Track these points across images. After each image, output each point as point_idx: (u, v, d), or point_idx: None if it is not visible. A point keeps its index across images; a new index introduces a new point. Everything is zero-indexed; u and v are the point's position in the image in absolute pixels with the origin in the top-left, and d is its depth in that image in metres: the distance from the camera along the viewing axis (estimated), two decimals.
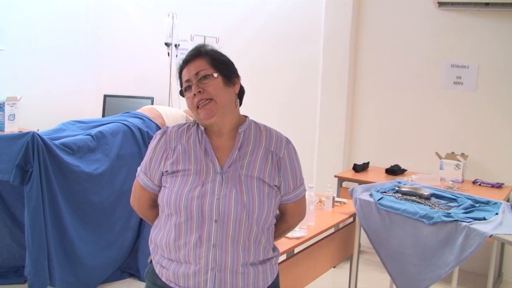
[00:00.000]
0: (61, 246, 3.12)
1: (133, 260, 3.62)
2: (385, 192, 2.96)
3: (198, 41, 4.69)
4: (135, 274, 3.61)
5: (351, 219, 3.10)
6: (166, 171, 1.65)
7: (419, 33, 4.14)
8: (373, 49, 4.36)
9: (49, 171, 3.00)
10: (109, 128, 3.46)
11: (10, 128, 4.47)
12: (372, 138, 4.45)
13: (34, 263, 2.93)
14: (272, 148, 1.66)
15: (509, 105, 3.85)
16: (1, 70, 4.79)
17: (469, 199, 2.82)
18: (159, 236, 1.66)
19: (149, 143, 1.77)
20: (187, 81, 1.62)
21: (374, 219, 2.81)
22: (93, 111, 5.37)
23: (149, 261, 1.75)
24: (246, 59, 4.64)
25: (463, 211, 2.62)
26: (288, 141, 1.71)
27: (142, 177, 1.72)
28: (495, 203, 2.77)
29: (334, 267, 3.43)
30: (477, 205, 2.74)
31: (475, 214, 2.58)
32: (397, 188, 3.00)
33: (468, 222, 2.47)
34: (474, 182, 3.80)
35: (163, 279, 1.64)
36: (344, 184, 4.03)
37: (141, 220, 3.53)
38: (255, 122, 1.72)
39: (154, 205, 1.76)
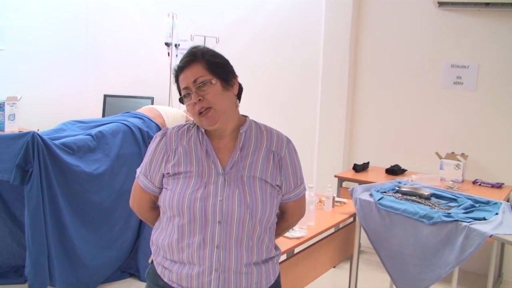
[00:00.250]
0: (61, 246, 3.12)
1: (133, 260, 3.62)
2: (385, 192, 2.96)
3: (198, 41, 4.69)
4: (135, 274, 3.61)
5: (351, 219, 3.10)
6: (168, 173, 1.64)
7: (419, 33, 4.14)
8: (373, 49, 4.36)
9: (49, 171, 3.00)
10: (109, 128, 3.46)
11: (10, 128, 4.47)
12: (372, 138, 4.45)
13: (34, 263, 2.93)
14: (273, 148, 1.66)
15: (509, 105, 3.85)
16: (1, 70, 4.79)
17: (469, 199, 2.82)
18: (161, 238, 1.65)
19: (149, 143, 1.76)
20: (186, 88, 1.60)
21: (374, 219, 2.81)
22: (93, 111, 5.37)
23: (149, 261, 1.74)
24: (246, 59, 4.65)
25: (463, 211, 2.62)
26: (288, 141, 1.71)
27: (142, 179, 1.71)
28: (495, 203, 2.77)
29: (334, 267, 3.44)
30: (477, 205, 2.74)
31: (475, 214, 2.58)
32: (397, 188, 3.00)
33: (468, 222, 2.47)
34: (474, 182, 3.80)
35: (165, 280, 1.64)
36: (344, 184, 4.03)
37: (141, 220, 3.52)
38: (255, 122, 1.72)
39: (154, 206, 1.75)
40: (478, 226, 2.44)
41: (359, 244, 3.09)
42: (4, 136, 3.11)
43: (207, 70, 1.59)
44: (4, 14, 4.80)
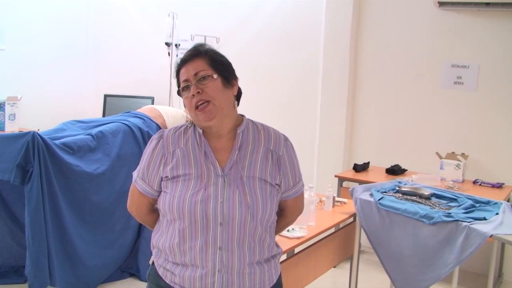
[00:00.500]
0: (61, 246, 3.12)
1: (133, 260, 3.62)
2: (385, 192, 2.95)
3: (199, 41, 4.68)
4: (135, 274, 3.61)
5: (351, 219, 3.10)
6: (166, 177, 1.62)
7: (419, 33, 4.14)
8: (374, 49, 4.36)
9: (50, 171, 3.00)
10: (110, 128, 3.46)
11: (11, 128, 4.47)
12: (372, 138, 4.45)
13: (34, 263, 2.93)
14: (271, 147, 1.66)
15: (510, 105, 3.85)
16: (1, 70, 4.79)
17: (469, 199, 2.82)
18: (162, 241, 1.64)
19: None
20: (185, 81, 1.60)
21: (374, 219, 2.81)
22: (93, 111, 5.37)
23: (150, 263, 1.73)
24: (247, 59, 4.65)
25: (464, 211, 2.62)
26: (286, 139, 1.70)
27: (140, 183, 1.69)
28: (496, 203, 2.77)
29: (334, 267, 3.43)
30: (477, 205, 2.73)
31: (475, 214, 2.58)
32: (397, 188, 3.00)
33: (469, 222, 2.47)
34: (474, 182, 3.80)
35: (167, 281, 1.63)
36: (345, 184, 4.03)
37: None
38: (252, 121, 1.70)
39: (152, 209, 1.74)
40: (479, 226, 2.43)
41: (359, 244, 3.09)
42: (5, 136, 3.12)
43: (209, 65, 1.59)
44: (4, 14, 4.80)
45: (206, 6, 5.02)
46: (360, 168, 4.12)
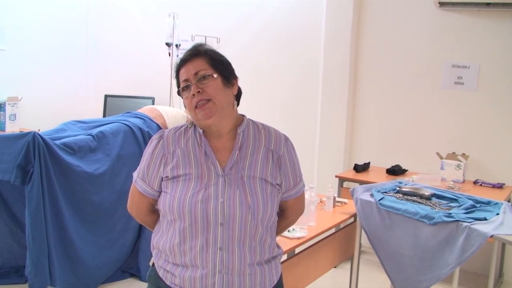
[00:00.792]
0: (61, 246, 3.12)
1: (133, 260, 3.62)
2: (386, 192, 2.95)
3: (199, 41, 4.68)
4: (135, 274, 3.61)
5: (351, 219, 3.10)
6: (166, 177, 1.62)
7: (420, 33, 4.14)
8: (374, 49, 4.35)
9: (50, 171, 3.00)
10: (110, 128, 3.46)
11: (11, 128, 4.48)
12: (373, 138, 4.45)
13: (35, 263, 2.93)
14: (272, 146, 1.65)
15: (510, 105, 3.84)
16: (2, 70, 4.79)
17: (470, 199, 2.82)
18: (162, 242, 1.64)
19: None
20: (186, 80, 1.59)
21: (375, 219, 2.81)
22: (94, 111, 5.37)
23: (150, 264, 1.73)
24: (247, 59, 4.65)
25: (464, 211, 2.62)
26: (286, 138, 1.70)
27: (140, 183, 1.68)
28: (496, 203, 2.77)
29: (335, 267, 3.43)
30: (478, 205, 2.73)
31: (476, 215, 2.58)
32: (398, 188, 2.99)
33: (469, 222, 2.47)
34: (475, 182, 3.80)
35: (168, 283, 1.62)
36: (345, 184, 4.03)
37: None
38: (252, 121, 1.70)
39: (153, 210, 1.74)
40: (479, 226, 2.43)
41: (360, 244, 3.09)
42: (5, 136, 3.12)
43: (209, 65, 1.59)
44: (4, 14, 4.81)
45: (207, 6, 5.03)
46: (361, 168, 4.12)
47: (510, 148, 3.86)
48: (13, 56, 4.87)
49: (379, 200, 2.80)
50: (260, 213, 1.58)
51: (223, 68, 1.61)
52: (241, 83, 1.70)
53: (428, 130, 4.18)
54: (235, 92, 1.66)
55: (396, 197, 2.88)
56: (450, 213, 2.58)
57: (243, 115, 1.70)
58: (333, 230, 2.96)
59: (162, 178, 1.64)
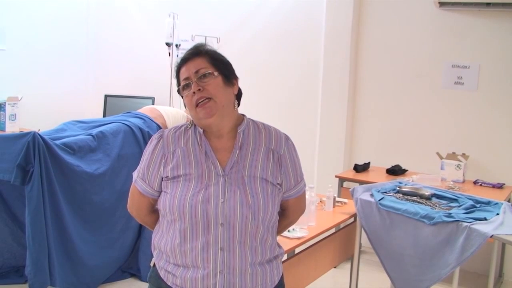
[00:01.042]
0: (61, 246, 3.12)
1: (134, 260, 3.62)
2: (386, 192, 2.95)
3: (199, 41, 4.68)
4: (136, 274, 3.61)
5: (351, 219, 3.10)
6: (166, 177, 1.62)
7: (420, 33, 4.14)
8: (374, 49, 4.35)
9: (50, 171, 3.00)
10: (110, 128, 3.46)
11: (11, 128, 4.48)
12: (373, 138, 4.44)
13: (35, 263, 2.93)
14: (272, 146, 1.65)
15: (510, 105, 3.84)
16: (2, 70, 4.79)
17: (470, 199, 2.82)
18: (163, 242, 1.63)
19: None
20: (186, 79, 1.59)
21: (375, 219, 2.81)
22: (94, 111, 5.37)
23: (151, 265, 1.72)
24: (247, 59, 4.65)
25: (464, 211, 2.62)
26: (287, 138, 1.70)
27: (140, 183, 1.68)
28: (496, 203, 2.77)
29: (335, 267, 3.43)
30: (478, 205, 2.73)
31: (476, 215, 2.58)
32: (398, 188, 3.00)
33: (469, 222, 2.47)
34: (475, 183, 3.80)
35: (169, 284, 1.62)
36: (345, 184, 4.03)
37: None
38: (252, 121, 1.70)
39: (153, 210, 1.74)
40: (479, 226, 2.43)
41: (360, 244, 3.09)
42: (5, 136, 3.12)
43: (210, 63, 1.59)
44: (4, 14, 4.81)
45: (207, 6, 5.02)
46: (361, 168, 4.12)
47: (510, 148, 3.86)
48: (13, 56, 4.87)
49: (379, 200, 2.80)
50: (260, 213, 1.57)
51: (223, 67, 1.62)
52: (241, 83, 1.70)
53: (428, 130, 4.18)
54: (236, 92, 1.66)
55: (396, 197, 2.88)
56: (450, 213, 2.58)
57: (243, 115, 1.69)
58: (333, 230, 2.96)
59: (162, 178, 1.63)
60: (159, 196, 1.67)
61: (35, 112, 4.86)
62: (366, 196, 2.90)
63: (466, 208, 2.66)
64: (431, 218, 2.56)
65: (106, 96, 5.37)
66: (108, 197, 3.36)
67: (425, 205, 2.76)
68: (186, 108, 1.65)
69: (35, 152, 2.91)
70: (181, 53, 4.70)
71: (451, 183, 3.68)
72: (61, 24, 5.25)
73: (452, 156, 3.86)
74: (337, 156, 4.48)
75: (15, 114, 4.56)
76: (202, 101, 1.56)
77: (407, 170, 4.08)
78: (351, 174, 4.08)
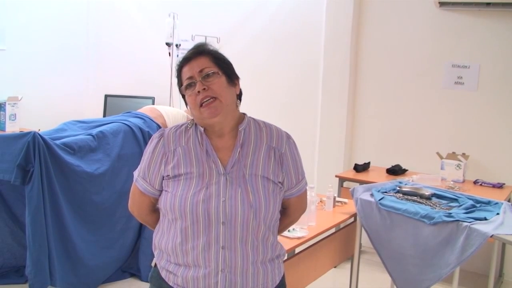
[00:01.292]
0: (62, 246, 3.12)
1: (134, 260, 3.62)
2: (386, 192, 2.95)
3: (199, 41, 4.67)
4: (136, 274, 3.61)
5: (352, 219, 3.10)
6: (167, 176, 1.61)
7: (420, 33, 4.14)
8: (374, 49, 4.35)
9: (50, 171, 3.00)
10: (110, 128, 3.46)
11: (11, 128, 4.48)
12: (373, 138, 4.45)
13: (35, 263, 2.93)
14: (273, 144, 1.65)
15: (510, 105, 3.84)
16: (2, 70, 4.79)
17: (470, 199, 2.82)
18: (163, 241, 1.63)
19: None
20: (190, 78, 1.58)
21: (375, 219, 2.81)
22: (94, 111, 5.37)
23: (152, 265, 1.72)
24: (247, 59, 4.65)
25: (464, 211, 2.62)
26: (288, 136, 1.70)
27: (141, 182, 1.68)
28: (496, 203, 2.77)
29: (335, 267, 3.43)
30: (478, 205, 2.73)
31: (476, 214, 2.58)
32: (398, 188, 3.00)
33: (469, 222, 2.47)
34: (475, 182, 3.80)
35: (170, 283, 1.62)
36: (345, 184, 4.03)
37: None
38: (253, 119, 1.70)
39: (154, 209, 1.73)
40: (479, 226, 2.43)
41: (360, 244, 3.09)
42: (5, 136, 3.12)
43: (213, 63, 1.59)
44: (4, 14, 4.81)
45: (207, 6, 5.02)
46: (361, 168, 4.12)
47: (510, 148, 3.86)
48: (13, 56, 4.87)
49: (379, 200, 2.80)
50: (262, 211, 1.57)
51: (226, 67, 1.62)
52: (241, 83, 1.70)
53: (428, 130, 4.18)
54: (238, 92, 1.66)
55: (396, 197, 2.88)
56: (450, 213, 2.58)
57: (244, 114, 1.69)
58: (333, 230, 2.96)
59: (163, 177, 1.63)
60: (160, 195, 1.66)
61: (35, 112, 4.86)
62: (366, 196, 2.90)
63: (466, 208, 2.66)
64: (431, 218, 2.56)
65: (106, 96, 5.37)
66: (108, 197, 3.36)
67: (425, 205, 2.76)
68: (187, 108, 1.65)
69: (35, 152, 2.91)
70: (181, 53, 4.71)
71: (451, 183, 3.68)
72: (61, 24, 5.26)
73: (452, 156, 3.86)
74: (337, 156, 4.48)
75: (15, 114, 4.56)
76: (207, 101, 1.55)
77: (407, 170, 4.08)
78: (351, 174, 4.08)
